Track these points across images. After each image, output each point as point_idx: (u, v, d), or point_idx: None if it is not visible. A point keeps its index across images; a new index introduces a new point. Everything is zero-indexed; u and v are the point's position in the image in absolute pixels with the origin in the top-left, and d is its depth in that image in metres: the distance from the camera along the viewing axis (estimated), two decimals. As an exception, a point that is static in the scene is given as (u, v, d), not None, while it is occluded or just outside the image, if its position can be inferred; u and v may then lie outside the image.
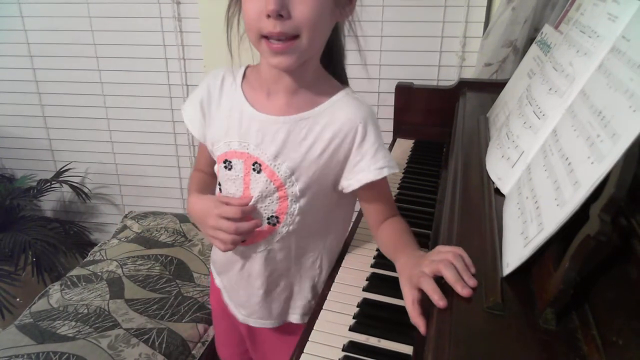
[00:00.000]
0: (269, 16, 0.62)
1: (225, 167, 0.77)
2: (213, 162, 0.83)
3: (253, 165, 0.74)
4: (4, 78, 1.98)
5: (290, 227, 0.77)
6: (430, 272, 0.60)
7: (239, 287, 0.86)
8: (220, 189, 0.82)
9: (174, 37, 1.80)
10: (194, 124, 0.80)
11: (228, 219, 0.72)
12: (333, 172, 0.75)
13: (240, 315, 0.88)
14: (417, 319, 0.59)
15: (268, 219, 0.76)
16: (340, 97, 0.75)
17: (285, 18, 0.63)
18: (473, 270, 0.58)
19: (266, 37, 0.65)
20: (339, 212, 0.84)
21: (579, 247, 0.45)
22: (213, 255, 0.92)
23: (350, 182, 0.75)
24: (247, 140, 0.74)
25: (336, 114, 0.73)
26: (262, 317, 0.86)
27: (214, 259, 0.91)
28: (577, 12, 0.85)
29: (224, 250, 0.75)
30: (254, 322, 0.87)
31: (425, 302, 0.59)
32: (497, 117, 1.03)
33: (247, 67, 0.80)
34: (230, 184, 0.78)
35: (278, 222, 0.76)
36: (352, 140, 0.73)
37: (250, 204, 0.75)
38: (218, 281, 0.92)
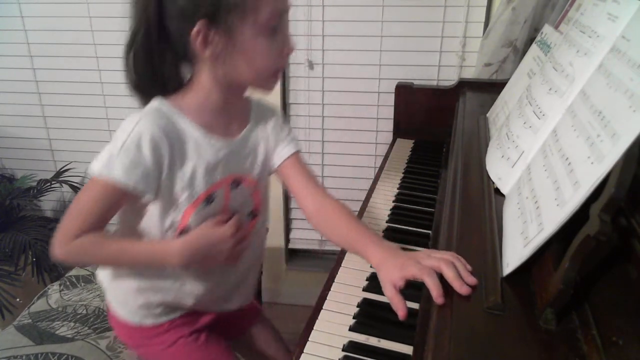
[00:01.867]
0: (287, 54, 0.75)
1: (208, 201, 0.77)
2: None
3: (231, 184, 0.80)
4: (4, 78, 1.98)
5: (262, 212, 0.88)
6: (430, 267, 0.60)
7: (236, 285, 0.92)
8: (179, 233, 0.77)
9: (173, 37, 1.80)
10: (146, 181, 0.71)
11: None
12: (271, 152, 0.87)
13: (235, 304, 0.95)
14: (399, 304, 0.60)
15: (248, 214, 0.86)
16: (253, 101, 0.87)
17: None
18: (470, 268, 0.58)
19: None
20: None
21: (579, 247, 0.45)
22: (196, 291, 0.85)
23: (282, 152, 0.86)
24: (232, 169, 0.80)
25: (261, 112, 0.86)
26: (246, 299, 0.97)
27: (200, 293, 0.86)
28: (577, 12, 0.85)
29: (239, 261, 0.85)
30: (243, 302, 0.97)
31: (409, 285, 0.62)
32: (497, 117, 1.03)
33: (162, 102, 0.74)
34: (211, 215, 0.78)
35: (257, 214, 0.87)
36: (276, 124, 0.86)
37: (235, 215, 0.82)
38: (198, 306, 0.89)
